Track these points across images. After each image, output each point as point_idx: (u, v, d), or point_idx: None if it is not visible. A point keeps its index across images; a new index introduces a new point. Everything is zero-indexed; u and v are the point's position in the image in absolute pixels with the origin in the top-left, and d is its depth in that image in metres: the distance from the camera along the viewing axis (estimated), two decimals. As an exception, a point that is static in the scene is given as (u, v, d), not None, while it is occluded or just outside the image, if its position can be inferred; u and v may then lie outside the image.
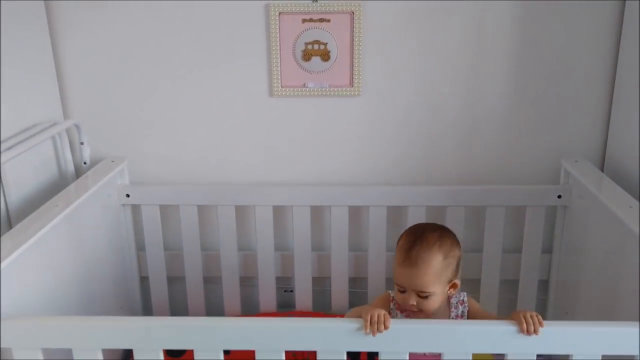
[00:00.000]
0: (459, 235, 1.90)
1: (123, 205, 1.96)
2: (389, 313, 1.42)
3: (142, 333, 1.22)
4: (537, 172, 1.98)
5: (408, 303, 1.34)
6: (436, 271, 1.33)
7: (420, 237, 1.36)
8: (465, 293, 1.44)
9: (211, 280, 2.09)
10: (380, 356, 1.21)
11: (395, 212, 1.98)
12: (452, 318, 1.42)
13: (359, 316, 1.21)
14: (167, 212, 2.03)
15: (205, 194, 1.95)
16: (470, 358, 1.21)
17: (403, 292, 1.36)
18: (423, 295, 1.33)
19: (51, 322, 1.25)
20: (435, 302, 1.34)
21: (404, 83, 1.92)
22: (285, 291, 2.14)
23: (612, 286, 1.56)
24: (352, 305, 2.06)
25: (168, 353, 1.86)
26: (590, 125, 1.93)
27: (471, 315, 1.42)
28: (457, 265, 1.38)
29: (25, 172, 1.72)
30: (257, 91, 1.95)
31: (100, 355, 1.24)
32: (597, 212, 1.66)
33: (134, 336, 1.22)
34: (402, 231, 1.95)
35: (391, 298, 1.45)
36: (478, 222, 1.97)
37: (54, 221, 1.48)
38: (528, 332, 1.16)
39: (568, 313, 1.86)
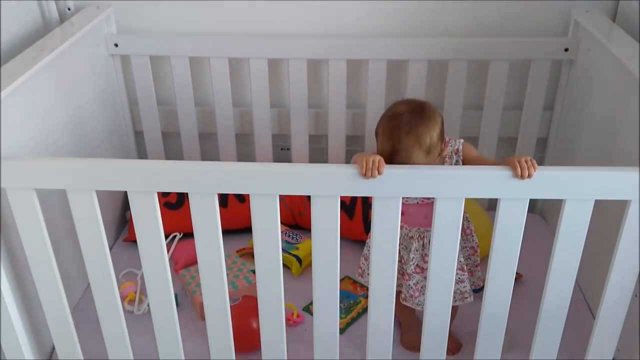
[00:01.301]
0: (460, 90, 1.87)
1: (112, 55, 1.89)
2: None
3: (136, 175, 1.21)
4: (545, 23, 1.88)
5: None
6: (422, 161, 1.31)
7: (398, 142, 1.29)
8: (461, 140, 1.41)
9: (207, 137, 2.07)
10: (374, 201, 1.22)
11: (395, 67, 1.91)
12: None
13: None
14: (159, 63, 1.96)
15: (197, 45, 1.87)
16: (463, 203, 1.21)
17: None
18: None
19: (45, 162, 1.24)
20: None
21: None
22: (282, 149, 2.13)
23: (612, 143, 1.54)
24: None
25: (166, 206, 1.90)
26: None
27: (466, 163, 1.41)
28: (441, 136, 1.34)
29: (6, 17, 1.62)
30: None
31: (94, 197, 1.23)
32: (604, 64, 1.60)
33: (129, 178, 1.21)
34: (401, 88, 1.92)
35: None
36: (480, 77, 1.91)
37: (40, 64, 1.43)
38: (522, 177, 1.15)
39: (564, 170, 1.86)
